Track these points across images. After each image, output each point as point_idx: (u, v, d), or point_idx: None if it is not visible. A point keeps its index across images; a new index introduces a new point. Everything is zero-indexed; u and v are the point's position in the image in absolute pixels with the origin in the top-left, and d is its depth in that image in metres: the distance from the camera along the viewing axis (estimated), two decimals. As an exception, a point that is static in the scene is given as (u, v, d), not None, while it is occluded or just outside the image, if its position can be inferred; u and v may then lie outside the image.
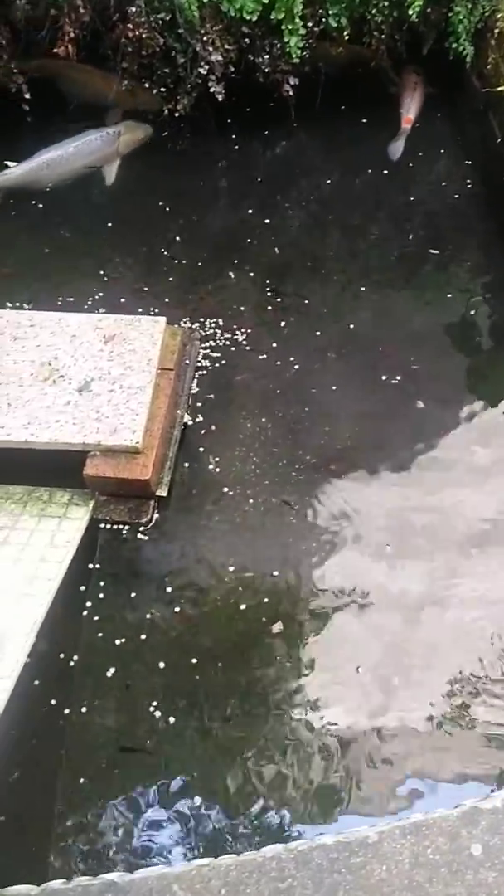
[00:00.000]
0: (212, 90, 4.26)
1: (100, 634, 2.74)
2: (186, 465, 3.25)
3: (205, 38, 4.12)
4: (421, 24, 4.36)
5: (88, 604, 2.81)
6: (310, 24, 4.20)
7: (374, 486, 3.20)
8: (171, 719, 2.54)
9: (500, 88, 4.10)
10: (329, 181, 4.55)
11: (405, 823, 1.86)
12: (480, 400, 3.52)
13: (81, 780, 2.39)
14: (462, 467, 3.25)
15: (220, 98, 4.28)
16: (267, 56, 4.31)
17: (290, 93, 4.43)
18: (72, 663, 2.64)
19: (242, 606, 2.82)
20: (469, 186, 4.45)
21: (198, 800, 2.36)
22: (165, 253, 4.10)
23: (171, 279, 3.97)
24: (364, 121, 4.76)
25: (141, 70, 4.28)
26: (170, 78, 4.31)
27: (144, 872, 1.84)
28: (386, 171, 4.51)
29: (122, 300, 3.79)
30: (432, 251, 4.14)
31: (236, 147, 4.67)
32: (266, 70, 4.35)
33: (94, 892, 1.81)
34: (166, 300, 3.85)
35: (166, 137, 4.59)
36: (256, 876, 1.80)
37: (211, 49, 4.15)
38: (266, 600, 2.84)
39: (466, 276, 4.07)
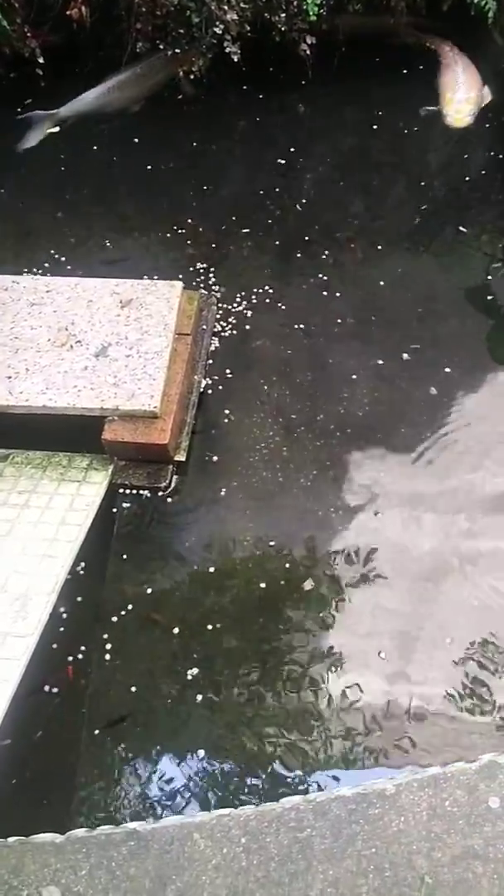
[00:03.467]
0: (227, 50, 4.17)
1: (120, 596, 2.77)
2: (204, 430, 3.26)
3: (220, -4, 4.03)
4: (441, -22, 4.25)
5: (109, 566, 2.84)
6: (328, -20, 4.10)
7: (394, 453, 3.18)
8: (190, 678, 2.57)
9: (522, 43, 3.98)
10: (347, 144, 4.48)
11: (423, 776, 1.88)
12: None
13: (102, 737, 2.43)
14: (489, 435, 3.22)
15: (235, 59, 4.20)
16: (283, 14, 4.22)
17: (308, 52, 4.33)
18: (94, 623, 2.68)
19: (261, 570, 2.84)
20: (491, 150, 4.36)
21: (216, 756, 2.40)
22: (183, 217, 4.06)
23: (188, 244, 3.95)
24: (383, 82, 4.65)
25: (155, 31, 4.20)
26: (184, 39, 4.23)
27: (166, 821, 1.88)
28: (406, 132, 4.43)
29: (140, 265, 3.77)
30: (452, 215, 4.07)
31: (253, 110, 4.60)
32: (283, 29, 4.26)
33: (116, 841, 1.85)
34: (183, 264, 3.83)
35: (181, 100, 4.51)
36: (276, 826, 1.84)
37: (226, 7, 4.06)
38: (285, 564, 2.85)
39: (487, 240, 4.00)
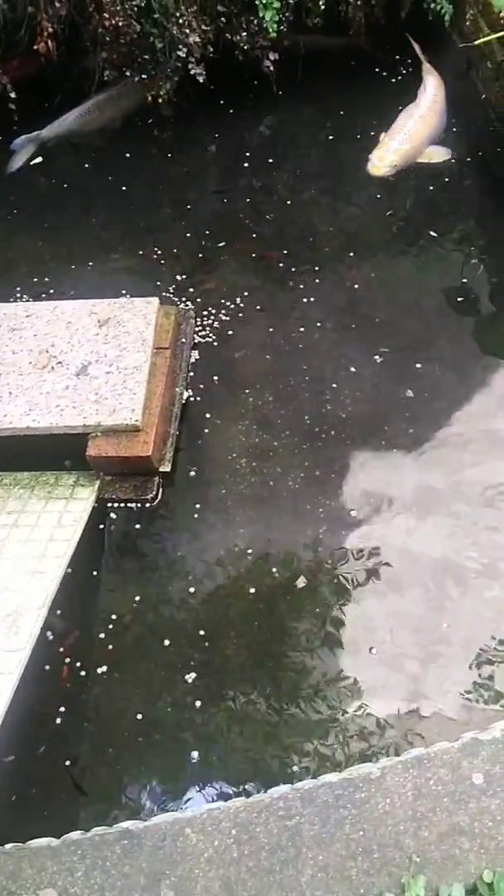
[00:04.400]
0: (192, 72, 4.28)
1: (113, 608, 2.82)
2: (189, 440, 3.32)
3: (181, 21, 4.14)
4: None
5: (100, 579, 2.90)
6: (285, -4, 4.21)
7: (379, 453, 3.22)
8: (188, 685, 2.61)
9: (477, 42, 4.06)
10: (317, 154, 4.56)
11: (407, 758, 1.91)
12: (479, 361, 3.52)
13: (101, 747, 2.47)
14: (470, 429, 3.26)
15: (201, 80, 4.30)
16: (244, 33, 4.33)
17: (271, 68, 4.44)
18: (87, 637, 2.73)
19: (253, 575, 2.88)
20: (456, 147, 4.42)
21: (216, 760, 2.43)
22: (160, 235, 4.14)
23: (166, 260, 4.03)
24: (347, 90, 4.74)
25: (121, 58, 4.31)
26: (150, 64, 4.35)
27: (157, 819, 1.92)
28: (373, 135, 4.51)
29: (117, 285, 3.86)
30: (424, 217, 4.13)
31: (222, 128, 4.70)
32: (245, 48, 4.38)
33: (110, 841, 1.89)
34: (163, 280, 3.91)
35: (151, 124, 4.62)
36: (265, 815, 1.87)
37: (188, 31, 4.18)
38: (277, 569, 2.89)
39: (459, 240, 4.05)
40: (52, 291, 3.87)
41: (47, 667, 2.60)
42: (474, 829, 1.81)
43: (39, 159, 4.54)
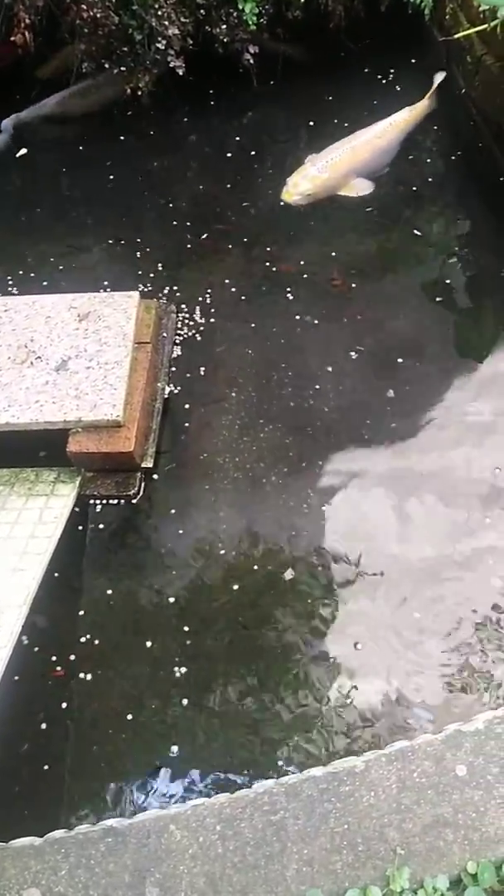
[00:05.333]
0: (172, 65, 4.25)
1: (96, 605, 2.80)
2: (172, 436, 3.30)
3: (160, 13, 4.11)
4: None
5: (82, 576, 2.87)
6: (264, -12, 4.19)
7: (362, 446, 3.21)
8: (174, 681, 2.59)
9: (457, 35, 4.07)
10: (299, 147, 4.53)
11: (391, 751, 1.91)
12: (461, 356, 3.52)
13: (83, 745, 2.46)
14: (453, 420, 3.26)
15: (180, 73, 4.27)
16: (224, 26, 4.30)
17: (251, 62, 4.42)
18: (69, 633, 2.71)
19: (235, 572, 2.86)
20: (437, 140, 4.43)
21: (202, 755, 2.42)
22: (140, 229, 4.11)
23: (147, 253, 3.99)
24: (327, 83, 4.73)
25: (99, 50, 4.27)
26: (129, 56, 4.31)
27: (142, 816, 1.91)
28: (352, 131, 4.50)
29: (99, 279, 3.82)
30: (405, 212, 4.12)
31: (203, 120, 4.67)
32: (224, 40, 4.35)
33: (94, 839, 1.88)
34: (143, 274, 3.88)
35: (130, 118, 4.58)
36: (250, 810, 1.86)
37: (167, 23, 4.14)
38: (261, 563, 2.87)
39: (440, 231, 4.05)
40: (32, 287, 3.82)
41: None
42: (458, 820, 1.82)
43: (24, 151, 4.51)
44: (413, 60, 4.78)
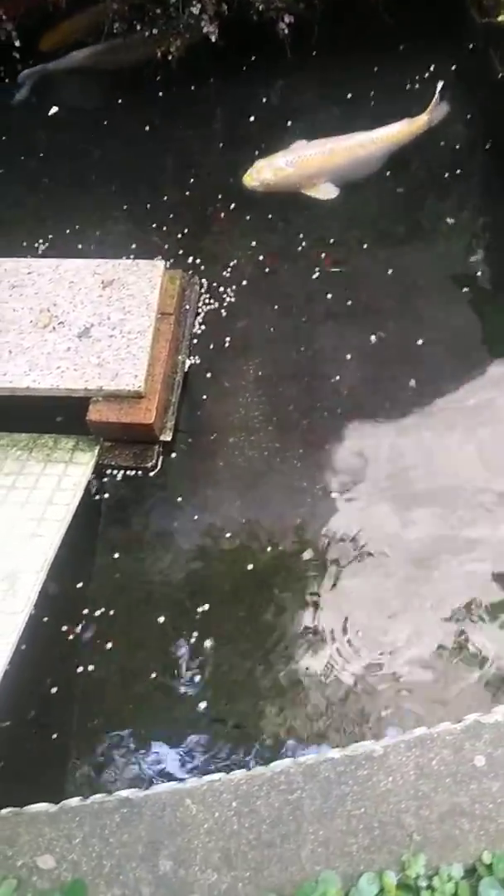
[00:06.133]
0: (205, 31, 4.15)
1: (109, 574, 2.79)
2: (190, 410, 3.27)
3: (195, -25, 4.01)
4: (417, -46, 4.23)
5: (97, 546, 2.86)
6: (303, -43, 4.08)
7: (381, 431, 3.18)
8: (182, 655, 2.59)
9: (499, 18, 3.97)
10: (326, 122, 4.43)
11: (410, 737, 1.91)
12: (481, 343, 3.48)
13: (93, 717, 2.46)
14: (471, 407, 3.24)
15: (213, 39, 4.18)
16: (260, -7, 4.20)
17: (286, 31, 4.31)
18: (83, 603, 2.70)
19: (249, 549, 2.86)
20: (469, 125, 4.35)
21: (209, 729, 2.42)
22: (165, 199, 4.03)
23: (170, 225, 3.92)
24: (360, 60, 4.63)
25: (132, 11, 4.17)
26: (161, 19, 4.20)
27: (157, 788, 1.91)
28: (382, 109, 4.41)
29: (122, 245, 3.76)
30: (431, 193, 4.06)
31: (233, 90, 4.56)
32: (260, 8, 4.24)
33: (109, 809, 1.88)
34: (166, 246, 3.81)
35: (159, 82, 4.48)
36: (266, 788, 1.87)
37: (202, -14, 4.05)
38: (273, 543, 2.86)
39: (467, 218, 3.99)
40: (52, 251, 3.76)
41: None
42: (475, 810, 1.82)
43: (55, 109, 4.45)
44: (450, 41, 4.67)
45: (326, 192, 3.87)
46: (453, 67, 4.55)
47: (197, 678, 2.54)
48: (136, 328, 3.09)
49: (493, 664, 2.46)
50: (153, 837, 1.83)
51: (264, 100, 4.56)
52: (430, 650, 2.53)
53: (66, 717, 2.48)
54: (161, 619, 2.68)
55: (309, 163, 3.87)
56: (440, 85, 4.04)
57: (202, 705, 2.48)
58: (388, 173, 4.09)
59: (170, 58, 4.30)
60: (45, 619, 2.57)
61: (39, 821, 1.87)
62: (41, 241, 3.84)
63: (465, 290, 3.65)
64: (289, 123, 4.39)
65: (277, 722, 2.43)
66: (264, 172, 3.83)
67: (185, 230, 3.90)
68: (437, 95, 4.02)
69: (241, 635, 2.65)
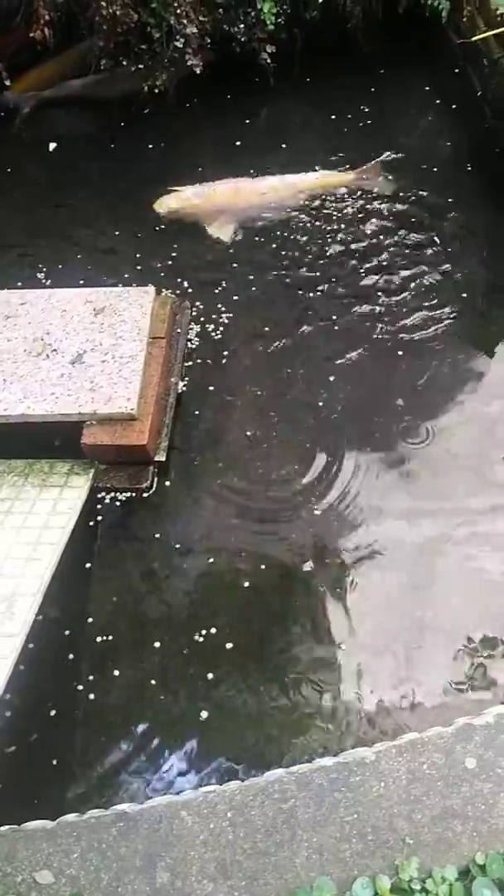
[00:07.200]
0: (189, 63, 4.28)
1: (107, 596, 2.82)
2: (184, 430, 3.32)
3: (178, 11, 4.14)
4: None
5: (95, 567, 2.90)
6: (282, -11, 4.21)
7: (374, 444, 3.23)
8: (179, 678, 2.61)
9: (474, 39, 4.08)
10: (312, 145, 4.54)
11: (401, 742, 1.93)
12: (473, 356, 3.53)
13: (94, 736, 2.48)
14: (463, 417, 3.29)
15: (197, 71, 4.30)
16: (242, 25, 4.33)
17: (269, 61, 4.44)
18: (81, 625, 2.73)
19: (248, 567, 2.88)
20: (451, 143, 4.44)
21: (214, 746, 2.44)
22: (154, 226, 4.13)
23: (160, 251, 4.01)
24: (342, 82, 4.74)
25: (118, 48, 4.31)
26: (147, 54, 4.34)
27: (153, 801, 1.93)
28: (367, 132, 4.51)
29: (113, 273, 3.85)
30: (418, 210, 4.13)
31: (218, 117, 4.68)
32: (242, 39, 4.38)
33: (106, 823, 1.90)
34: (156, 272, 3.90)
35: (147, 115, 4.61)
36: (261, 798, 1.88)
37: (185, 21, 4.17)
38: (272, 560, 2.89)
39: (452, 233, 4.05)
40: (48, 282, 3.85)
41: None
42: (467, 812, 1.83)
43: (54, 145, 4.62)
44: (429, 64, 4.80)
45: (223, 230, 3.97)
46: (427, 88, 4.66)
47: (194, 694, 2.55)
48: (128, 352, 3.15)
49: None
50: (150, 850, 1.85)
51: (249, 127, 4.67)
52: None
53: (65, 738, 2.50)
54: (159, 641, 2.70)
55: (214, 198, 4.02)
56: (386, 155, 4.14)
57: (202, 725, 2.49)
58: (374, 192, 4.19)
59: (157, 91, 4.43)
60: (43, 641, 2.60)
61: (38, 837, 1.89)
62: (34, 271, 3.93)
63: (460, 305, 3.71)
64: (272, 149, 4.50)
65: (278, 741, 2.44)
66: (170, 200, 4.02)
67: (177, 253, 3.98)
68: (378, 161, 4.11)
69: (242, 656, 2.66)
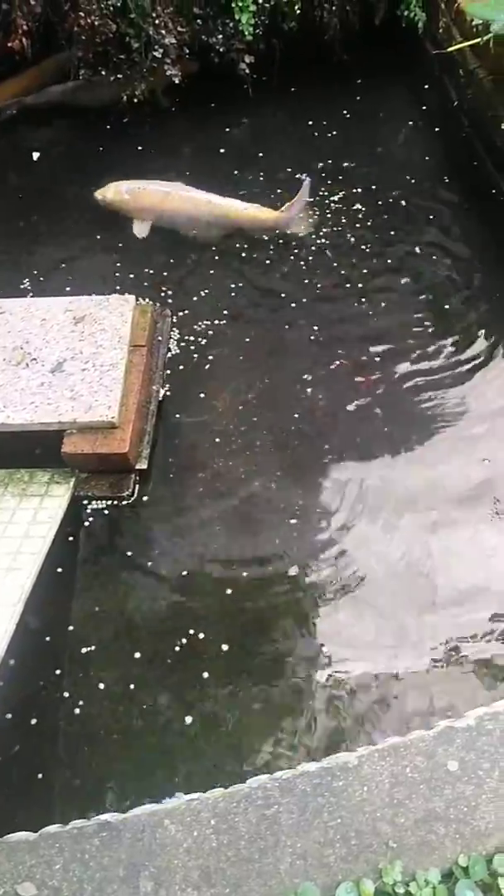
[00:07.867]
0: (168, 73, 4.30)
1: (88, 606, 2.81)
2: (166, 438, 3.32)
3: (157, 22, 4.16)
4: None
5: (77, 576, 2.88)
6: (260, 0, 4.24)
7: (355, 452, 3.24)
8: (161, 686, 2.60)
9: (450, 49, 4.14)
10: (291, 155, 4.58)
11: (383, 746, 1.93)
12: (454, 370, 3.56)
13: (75, 749, 2.47)
14: (446, 431, 3.31)
15: (176, 81, 4.33)
16: (220, 35, 4.36)
17: (247, 71, 4.47)
18: (61, 635, 2.72)
19: (229, 575, 2.88)
20: (430, 153, 4.48)
21: (192, 755, 2.43)
22: (136, 235, 4.13)
23: (142, 260, 4.02)
24: (321, 92, 4.79)
25: (97, 58, 4.32)
26: (125, 64, 4.35)
27: (136, 811, 1.92)
28: (345, 140, 4.55)
29: (94, 282, 3.84)
30: (394, 218, 4.17)
31: (199, 128, 4.71)
32: (220, 50, 4.41)
33: (88, 833, 1.88)
34: (138, 280, 3.90)
35: (127, 124, 4.62)
36: (244, 805, 1.88)
37: (164, 32, 4.20)
38: (253, 568, 2.89)
39: (428, 241, 4.09)
40: (30, 294, 3.84)
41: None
42: (450, 814, 1.84)
43: (37, 155, 4.62)
44: (406, 74, 4.86)
45: (140, 228, 4.08)
46: (404, 97, 4.72)
47: (177, 703, 2.55)
48: (108, 361, 3.15)
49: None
50: (133, 859, 1.84)
51: (229, 136, 4.70)
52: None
53: (48, 748, 2.48)
54: (140, 650, 2.69)
55: (142, 197, 4.07)
56: (306, 183, 4.07)
57: (186, 732, 2.48)
58: (354, 205, 4.22)
59: (135, 101, 4.45)
60: (23, 651, 2.59)
61: (20, 849, 1.88)
62: (14, 280, 3.92)
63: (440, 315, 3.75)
64: (254, 158, 4.53)
65: (263, 747, 2.44)
66: (106, 192, 4.09)
67: (158, 262, 3.99)
68: (300, 196, 4.04)
69: (226, 662, 2.65)
